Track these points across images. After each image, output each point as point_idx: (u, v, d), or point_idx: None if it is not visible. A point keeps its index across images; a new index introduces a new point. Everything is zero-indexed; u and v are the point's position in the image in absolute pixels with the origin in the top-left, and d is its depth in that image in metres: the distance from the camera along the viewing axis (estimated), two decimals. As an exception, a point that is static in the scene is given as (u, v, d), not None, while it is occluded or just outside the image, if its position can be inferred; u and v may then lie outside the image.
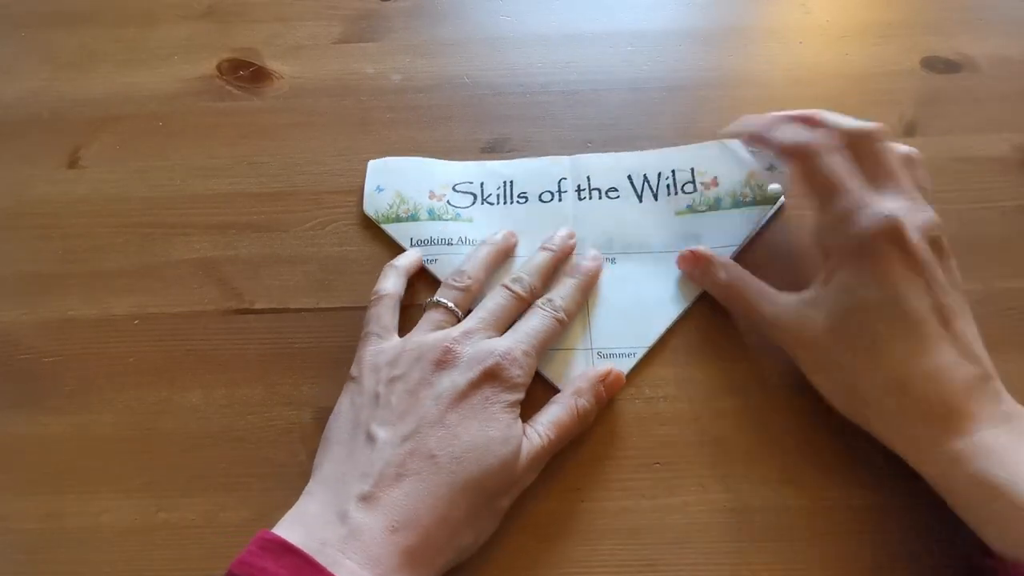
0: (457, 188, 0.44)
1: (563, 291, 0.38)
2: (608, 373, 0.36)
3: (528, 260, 0.39)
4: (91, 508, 0.35)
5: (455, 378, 0.32)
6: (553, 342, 0.37)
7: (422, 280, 0.41)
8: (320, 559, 0.27)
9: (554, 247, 0.40)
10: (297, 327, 0.40)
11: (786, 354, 0.35)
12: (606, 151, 0.45)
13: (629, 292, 0.40)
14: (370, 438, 0.31)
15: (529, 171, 0.44)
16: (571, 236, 0.41)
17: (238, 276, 0.42)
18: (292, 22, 0.53)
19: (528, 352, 0.34)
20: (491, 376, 0.33)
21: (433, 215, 0.43)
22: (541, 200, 0.43)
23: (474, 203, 0.43)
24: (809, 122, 0.36)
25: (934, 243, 0.32)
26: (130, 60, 0.51)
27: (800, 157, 0.35)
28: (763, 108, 0.47)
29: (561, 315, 0.37)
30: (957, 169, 0.44)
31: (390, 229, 0.42)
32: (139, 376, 0.38)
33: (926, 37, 0.50)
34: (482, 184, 0.44)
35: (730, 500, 0.34)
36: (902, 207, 0.32)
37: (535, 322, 0.36)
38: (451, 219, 0.42)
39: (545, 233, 0.41)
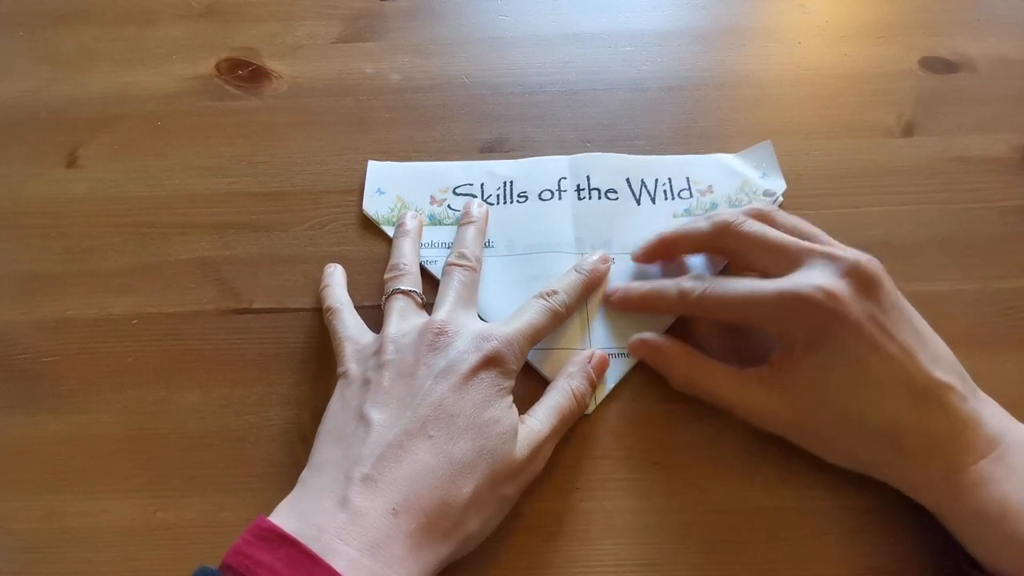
0: (458, 191, 0.44)
1: (568, 285, 0.37)
2: (591, 355, 0.36)
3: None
4: (90, 508, 0.35)
5: (453, 359, 0.32)
6: (548, 333, 0.36)
7: (426, 282, 0.40)
8: (316, 548, 0.26)
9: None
10: (296, 327, 0.39)
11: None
12: (605, 151, 0.45)
13: None
14: (364, 420, 0.31)
15: (529, 170, 0.45)
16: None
17: (237, 276, 0.41)
18: (291, 22, 0.53)
19: (524, 343, 0.34)
20: (491, 362, 0.32)
21: (434, 220, 0.43)
22: (541, 199, 0.43)
23: None
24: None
25: (862, 284, 0.31)
26: (129, 59, 0.51)
27: (723, 231, 0.35)
28: (762, 108, 0.47)
29: (561, 309, 0.36)
30: (955, 169, 0.44)
31: (391, 232, 0.42)
32: (138, 376, 0.38)
33: (925, 37, 0.50)
34: (482, 185, 0.44)
35: (729, 500, 0.34)
36: (824, 271, 0.32)
37: (535, 311, 0.36)
38: (452, 223, 0.42)
39: (544, 231, 0.41)
